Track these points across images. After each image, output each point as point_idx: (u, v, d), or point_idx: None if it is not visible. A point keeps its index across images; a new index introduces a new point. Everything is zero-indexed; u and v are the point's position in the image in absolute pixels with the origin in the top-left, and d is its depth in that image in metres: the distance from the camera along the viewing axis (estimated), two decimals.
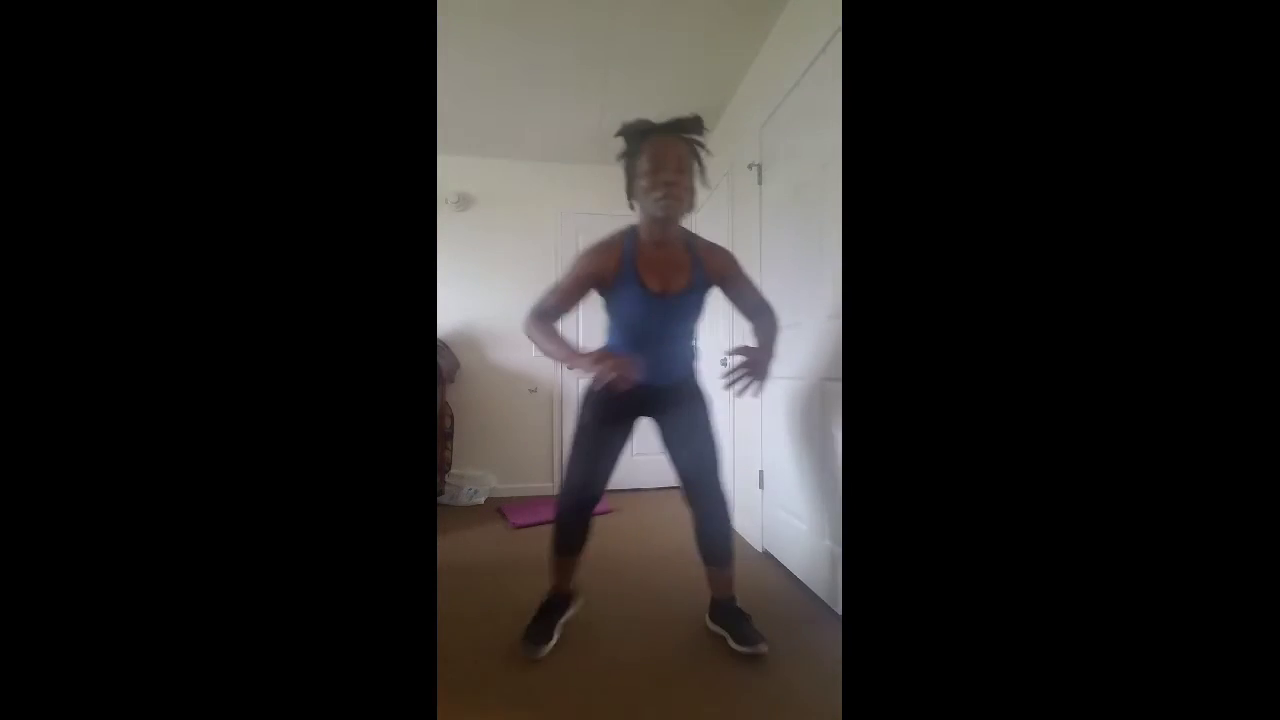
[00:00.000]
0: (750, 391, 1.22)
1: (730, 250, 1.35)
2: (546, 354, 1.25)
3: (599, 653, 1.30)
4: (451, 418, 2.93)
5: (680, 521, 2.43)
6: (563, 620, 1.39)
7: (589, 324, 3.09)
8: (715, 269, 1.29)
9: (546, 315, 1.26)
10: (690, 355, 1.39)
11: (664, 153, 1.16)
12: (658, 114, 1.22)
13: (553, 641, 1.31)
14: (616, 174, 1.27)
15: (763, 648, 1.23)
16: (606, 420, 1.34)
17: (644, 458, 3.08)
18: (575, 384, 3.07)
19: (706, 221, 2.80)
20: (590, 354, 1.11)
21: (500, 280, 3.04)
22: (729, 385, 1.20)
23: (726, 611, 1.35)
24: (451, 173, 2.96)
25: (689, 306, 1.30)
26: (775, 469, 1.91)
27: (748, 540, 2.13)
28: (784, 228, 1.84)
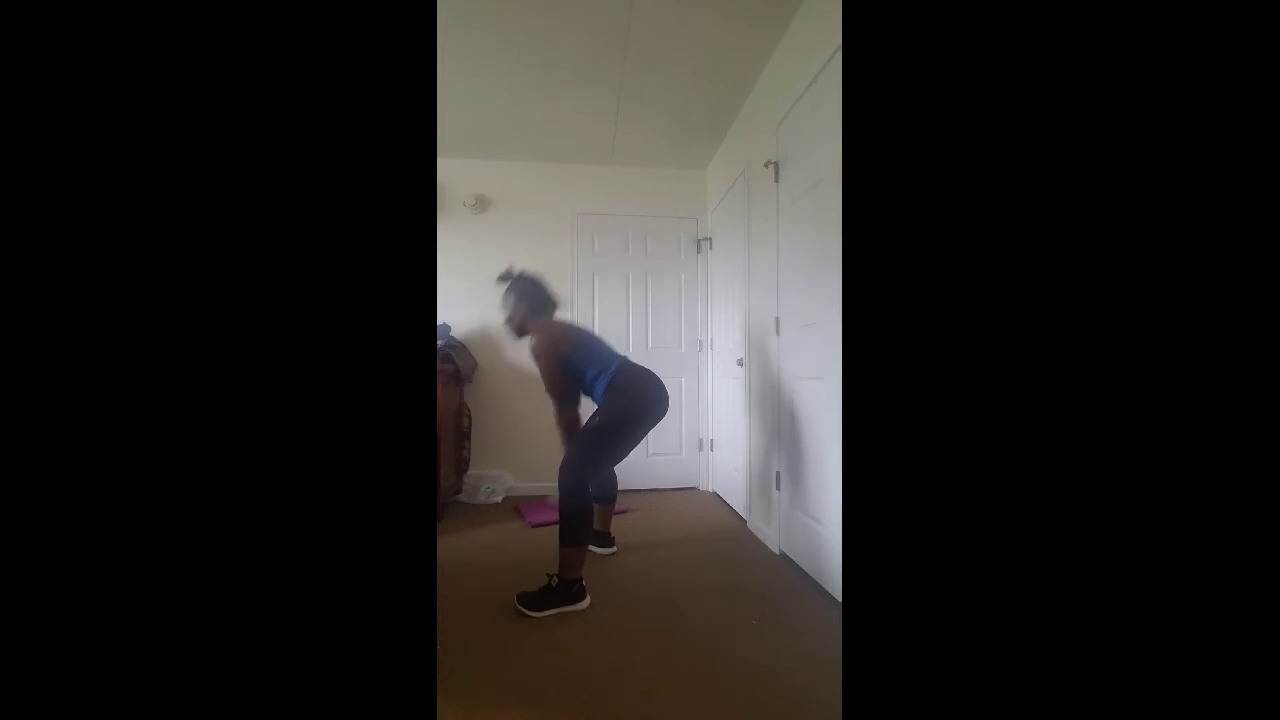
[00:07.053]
0: None
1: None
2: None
3: (602, 652, 1.30)
4: (470, 417, 2.96)
5: (691, 523, 2.42)
6: (563, 609, 1.50)
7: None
8: None
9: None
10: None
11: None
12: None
13: (538, 613, 1.47)
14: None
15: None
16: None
17: (659, 458, 3.09)
18: None
19: (723, 221, 2.78)
20: None
21: None
22: None
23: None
24: (469, 175, 3.00)
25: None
26: (792, 471, 1.89)
27: (764, 542, 2.11)
28: (802, 226, 1.81)
